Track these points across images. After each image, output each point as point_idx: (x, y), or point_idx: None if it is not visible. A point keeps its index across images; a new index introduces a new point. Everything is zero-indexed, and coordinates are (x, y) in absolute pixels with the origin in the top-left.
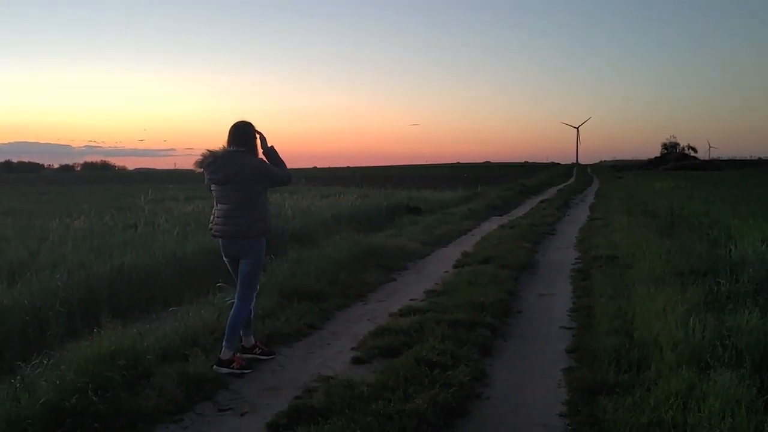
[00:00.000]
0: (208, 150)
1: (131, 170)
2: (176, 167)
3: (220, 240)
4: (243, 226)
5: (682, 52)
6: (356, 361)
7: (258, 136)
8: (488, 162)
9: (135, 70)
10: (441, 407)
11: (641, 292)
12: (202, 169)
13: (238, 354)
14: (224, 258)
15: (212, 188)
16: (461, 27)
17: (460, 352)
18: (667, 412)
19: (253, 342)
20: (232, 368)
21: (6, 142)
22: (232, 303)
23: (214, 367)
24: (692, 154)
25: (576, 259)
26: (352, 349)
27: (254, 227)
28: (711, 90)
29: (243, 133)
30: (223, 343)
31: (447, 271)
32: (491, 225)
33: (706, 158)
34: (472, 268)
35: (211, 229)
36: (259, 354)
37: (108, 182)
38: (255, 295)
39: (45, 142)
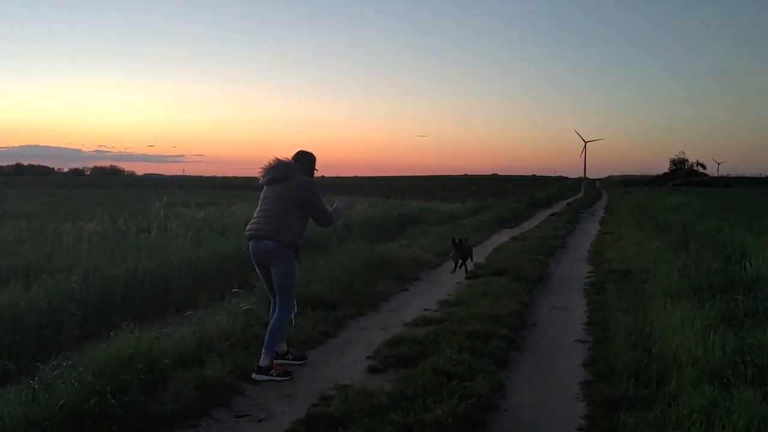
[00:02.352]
0: (276, 158)
1: (140, 175)
2: (185, 173)
3: (250, 244)
4: (271, 226)
5: (691, 68)
6: (372, 370)
7: (346, 203)
8: (496, 174)
9: (146, 77)
10: (461, 418)
11: (657, 307)
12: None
13: (274, 361)
14: (255, 266)
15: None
16: (470, 39)
17: (477, 364)
18: (690, 428)
19: (286, 348)
20: (272, 375)
21: (17, 145)
22: (248, 309)
23: (253, 374)
24: (701, 170)
25: (589, 272)
26: (368, 357)
27: (282, 233)
28: (720, 107)
29: (303, 157)
30: (262, 350)
31: (459, 282)
32: (502, 237)
33: (716, 175)
34: (485, 279)
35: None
36: (291, 359)
37: (117, 187)
38: (295, 302)
39: (55, 146)
